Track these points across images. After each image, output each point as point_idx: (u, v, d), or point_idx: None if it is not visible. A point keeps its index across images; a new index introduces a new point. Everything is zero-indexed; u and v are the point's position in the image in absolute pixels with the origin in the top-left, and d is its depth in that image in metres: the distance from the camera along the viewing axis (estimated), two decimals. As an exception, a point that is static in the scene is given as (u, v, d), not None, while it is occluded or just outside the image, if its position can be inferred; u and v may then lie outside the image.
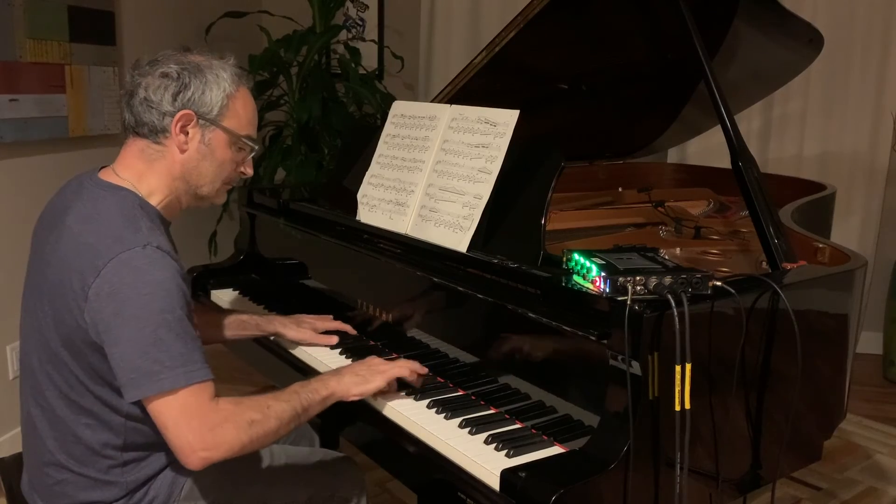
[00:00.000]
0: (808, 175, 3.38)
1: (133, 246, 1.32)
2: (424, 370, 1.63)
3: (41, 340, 1.41)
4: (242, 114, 1.50)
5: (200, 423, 1.31)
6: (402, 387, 1.64)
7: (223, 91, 1.46)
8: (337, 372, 1.56)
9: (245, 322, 1.90)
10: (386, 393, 1.58)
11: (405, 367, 1.59)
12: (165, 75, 1.43)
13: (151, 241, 1.34)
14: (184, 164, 1.47)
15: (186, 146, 1.46)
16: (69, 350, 1.37)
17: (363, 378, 1.54)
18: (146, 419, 1.41)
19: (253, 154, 1.56)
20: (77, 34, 2.99)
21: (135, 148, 1.47)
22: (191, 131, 1.45)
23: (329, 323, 1.91)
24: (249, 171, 1.57)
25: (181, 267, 1.38)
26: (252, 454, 1.62)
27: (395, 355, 1.80)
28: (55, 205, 1.50)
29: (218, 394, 1.36)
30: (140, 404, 1.36)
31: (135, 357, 1.29)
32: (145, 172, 1.46)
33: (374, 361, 1.60)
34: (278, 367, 1.91)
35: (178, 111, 1.43)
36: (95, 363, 1.37)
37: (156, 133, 1.44)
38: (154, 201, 1.46)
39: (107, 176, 1.47)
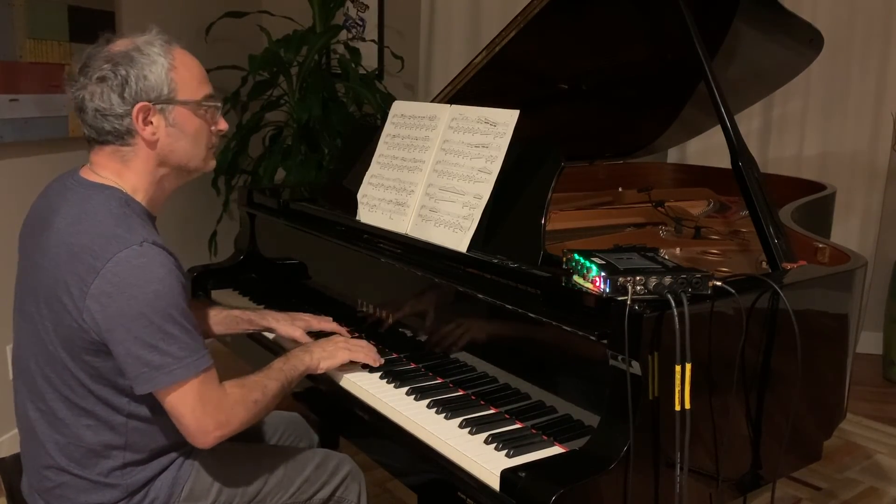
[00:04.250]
0: (808, 175, 3.38)
1: (130, 244, 1.32)
2: (381, 361, 1.74)
3: (39, 343, 1.40)
4: (190, 77, 1.45)
5: (215, 407, 1.39)
6: (401, 384, 1.64)
7: (161, 67, 1.42)
8: (307, 348, 1.69)
9: (237, 317, 1.90)
10: (349, 368, 1.72)
11: (367, 355, 1.72)
12: (102, 79, 1.39)
13: (147, 237, 1.35)
14: (159, 153, 1.45)
15: (156, 136, 1.43)
16: (69, 352, 1.37)
17: (330, 353, 1.68)
18: (148, 417, 1.43)
19: (220, 110, 1.52)
20: (77, 34, 2.99)
21: (105, 152, 1.44)
22: (154, 120, 1.42)
23: (324, 324, 1.89)
24: (224, 126, 1.54)
25: (177, 259, 1.39)
26: (252, 454, 1.63)
27: (395, 355, 1.80)
28: (40, 208, 1.48)
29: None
30: (144, 401, 1.40)
31: (144, 352, 1.32)
32: (123, 171, 1.44)
33: (338, 339, 1.74)
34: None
35: (133, 107, 1.39)
36: (96, 363, 1.37)
37: (122, 136, 1.42)
38: (139, 198, 1.45)
39: (88, 175, 1.45)
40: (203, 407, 1.37)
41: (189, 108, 1.45)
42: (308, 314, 1.91)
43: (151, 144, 1.43)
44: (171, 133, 1.44)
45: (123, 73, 1.39)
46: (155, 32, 1.46)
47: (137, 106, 1.40)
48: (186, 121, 1.45)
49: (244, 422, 1.44)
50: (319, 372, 1.67)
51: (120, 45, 1.42)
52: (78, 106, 1.42)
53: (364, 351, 1.72)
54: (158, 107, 1.42)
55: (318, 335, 1.85)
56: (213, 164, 1.55)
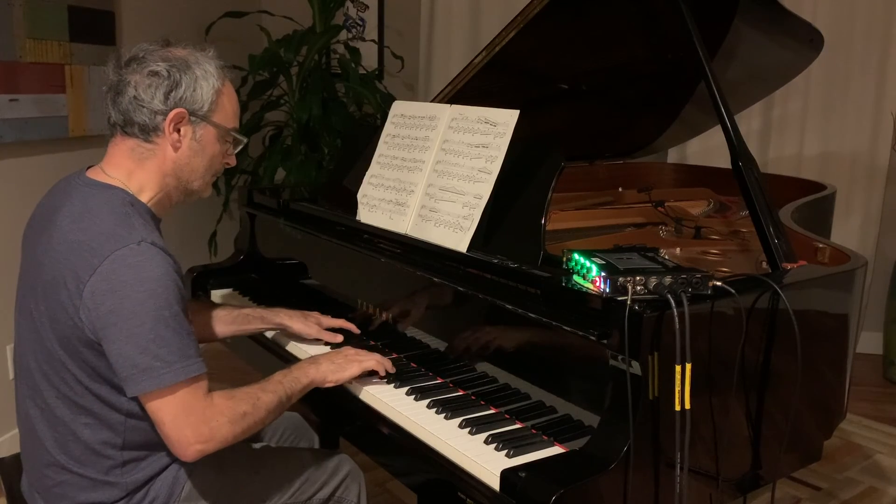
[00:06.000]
0: (808, 175, 3.38)
1: (128, 243, 1.33)
2: (393, 369, 1.67)
3: (38, 341, 1.41)
4: (229, 107, 1.52)
5: (198, 418, 1.35)
6: (401, 384, 1.64)
7: (212, 87, 1.46)
8: (314, 360, 1.61)
9: (248, 315, 1.88)
10: (361, 378, 1.65)
11: (379, 363, 1.65)
12: (155, 74, 1.42)
13: (146, 237, 1.35)
14: (175, 162, 1.47)
15: (180, 144, 1.46)
16: (65, 349, 1.37)
17: (339, 366, 1.60)
18: (146, 416, 1.42)
19: (240, 147, 1.57)
20: (77, 34, 2.99)
21: (124, 147, 1.46)
22: (183, 129, 1.45)
23: (335, 321, 1.88)
24: (233, 162, 1.59)
25: (175, 261, 1.39)
26: (253, 455, 1.63)
27: (395, 355, 1.80)
28: (44, 207, 1.49)
29: (211, 388, 1.39)
30: (140, 400, 1.38)
31: (134, 353, 1.31)
32: (135, 170, 1.46)
33: (349, 351, 1.66)
34: (279, 367, 1.90)
35: (171, 110, 1.43)
36: (92, 361, 1.37)
37: (147, 132, 1.44)
38: (145, 198, 1.46)
39: (95, 175, 1.46)
40: (186, 417, 1.34)
41: (217, 132, 1.50)
42: (318, 312, 1.90)
43: (172, 150, 1.46)
44: (192, 147, 1.47)
45: (177, 76, 1.43)
46: (212, 54, 1.49)
47: (176, 111, 1.43)
48: (210, 142, 1.50)
49: (230, 435, 1.38)
50: (327, 385, 1.59)
51: (180, 52, 1.46)
52: (116, 88, 1.43)
53: (376, 359, 1.66)
54: (193, 119, 1.45)
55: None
56: (209, 191, 1.59)
